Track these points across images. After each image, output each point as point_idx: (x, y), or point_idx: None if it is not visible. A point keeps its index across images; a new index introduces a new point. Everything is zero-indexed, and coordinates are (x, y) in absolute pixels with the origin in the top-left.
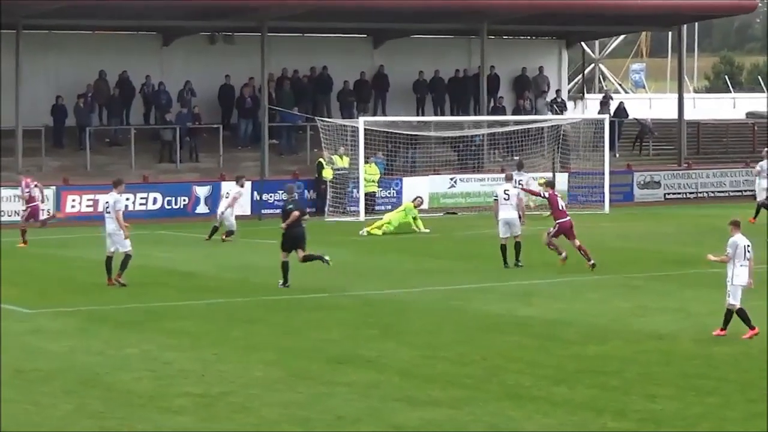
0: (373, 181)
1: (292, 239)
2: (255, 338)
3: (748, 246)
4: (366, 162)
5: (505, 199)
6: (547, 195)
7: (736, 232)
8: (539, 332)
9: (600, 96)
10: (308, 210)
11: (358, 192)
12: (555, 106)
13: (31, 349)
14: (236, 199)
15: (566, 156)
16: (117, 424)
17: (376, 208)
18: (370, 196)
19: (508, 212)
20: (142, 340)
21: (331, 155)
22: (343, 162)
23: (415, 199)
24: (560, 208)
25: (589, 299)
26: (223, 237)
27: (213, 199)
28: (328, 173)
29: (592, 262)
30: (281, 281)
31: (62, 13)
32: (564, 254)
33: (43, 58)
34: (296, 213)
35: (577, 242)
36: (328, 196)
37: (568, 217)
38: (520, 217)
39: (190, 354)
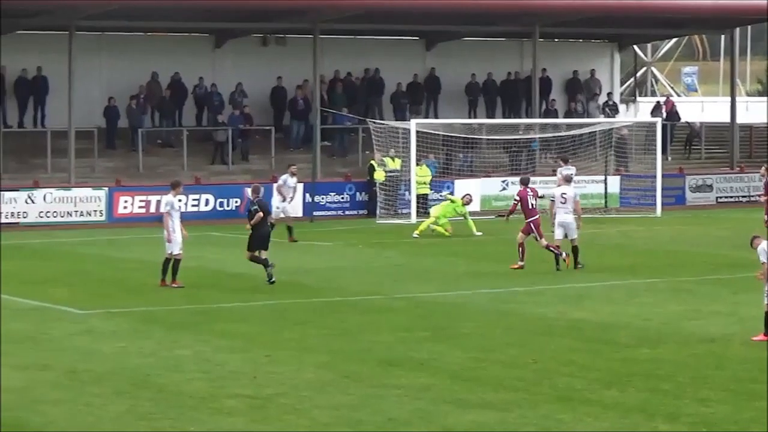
0: (425, 183)
1: (259, 239)
2: (307, 340)
3: None
4: (417, 164)
5: (561, 202)
6: (516, 196)
7: (761, 241)
8: (591, 335)
9: (653, 99)
10: (360, 212)
11: (409, 194)
12: (607, 109)
13: (83, 350)
14: (281, 187)
15: (620, 159)
16: (168, 425)
17: (428, 210)
18: (422, 198)
19: (564, 215)
20: (195, 342)
21: (383, 157)
22: (395, 164)
23: (464, 196)
24: (530, 206)
25: (641, 302)
26: (290, 238)
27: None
28: (380, 175)
29: (564, 255)
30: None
31: (115, 14)
32: (564, 254)
33: (96, 59)
34: (260, 214)
35: (544, 241)
36: (379, 198)
37: (538, 215)
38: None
39: (242, 355)
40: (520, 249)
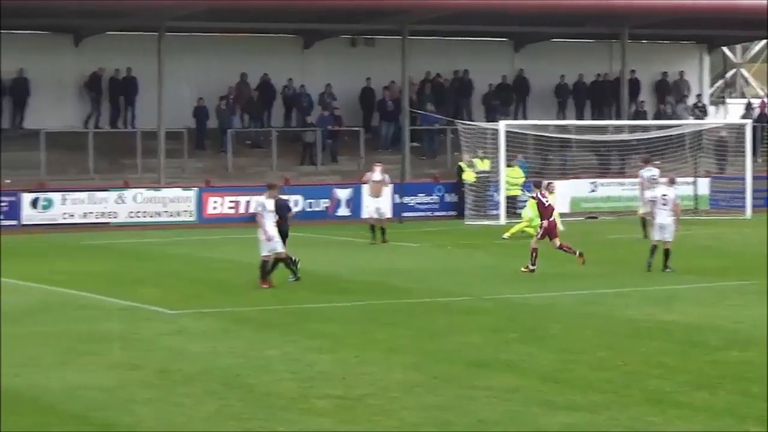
0: (517, 185)
1: (282, 235)
2: (396, 341)
3: None
4: (509, 165)
5: (663, 204)
6: (535, 196)
7: None
8: (680, 338)
9: (743, 101)
10: (449, 213)
11: (498, 195)
12: (696, 110)
13: (173, 349)
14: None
15: (721, 162)
16: (258, 425)
17: (518, 211)
18: (511, 200)
19: (663, 216)
20: (285, 342)
21: (472, 158)
22: (484, 165)
23: (548, 185)
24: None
25: (731, 305)
26: (382, 239)
27: (354, 202)
28: (469, 176)
29: (579, 252)
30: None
31: (204, 15)
32: (578, 253)
33: (185, 60)
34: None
35: (558, 242)
36: (467, 199)
37: (553, 217)
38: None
39: (331, 356)
40: (566, 249)
